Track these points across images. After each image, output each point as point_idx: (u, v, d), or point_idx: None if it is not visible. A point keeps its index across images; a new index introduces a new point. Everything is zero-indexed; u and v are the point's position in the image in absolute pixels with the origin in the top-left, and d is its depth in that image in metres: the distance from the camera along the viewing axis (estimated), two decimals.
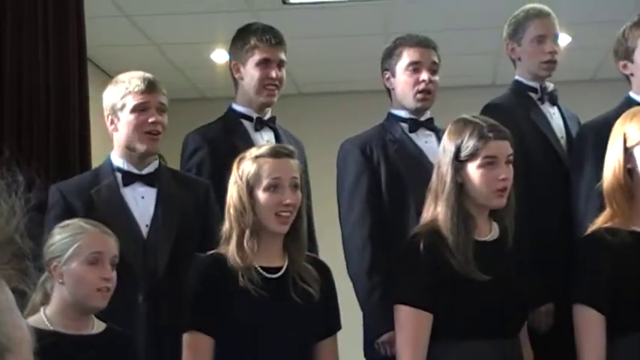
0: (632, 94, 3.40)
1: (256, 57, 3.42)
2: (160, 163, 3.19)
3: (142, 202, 3.08)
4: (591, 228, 2.75)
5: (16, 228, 1.08)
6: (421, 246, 2.67)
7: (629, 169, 2.72)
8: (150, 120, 3.06)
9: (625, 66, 3.40)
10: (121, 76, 3.14)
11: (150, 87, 3.08)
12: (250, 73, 3.44)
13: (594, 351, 2.66)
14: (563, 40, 5.75)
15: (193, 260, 2.77)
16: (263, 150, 2.76)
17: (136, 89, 3.06)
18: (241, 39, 3.49)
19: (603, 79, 6.94)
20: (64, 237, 2.69)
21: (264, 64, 3.42)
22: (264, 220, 2.70)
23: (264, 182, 2.70)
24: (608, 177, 2.74)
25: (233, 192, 2.74)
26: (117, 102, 3.08)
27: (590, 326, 2.67)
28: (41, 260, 2.60)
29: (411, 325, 2.67)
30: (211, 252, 2.76)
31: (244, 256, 2.68)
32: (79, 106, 3.71)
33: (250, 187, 2.71)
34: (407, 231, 2.89)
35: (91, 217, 2.88)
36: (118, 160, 3.13)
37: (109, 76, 6.76)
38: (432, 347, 2.68)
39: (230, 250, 2.71)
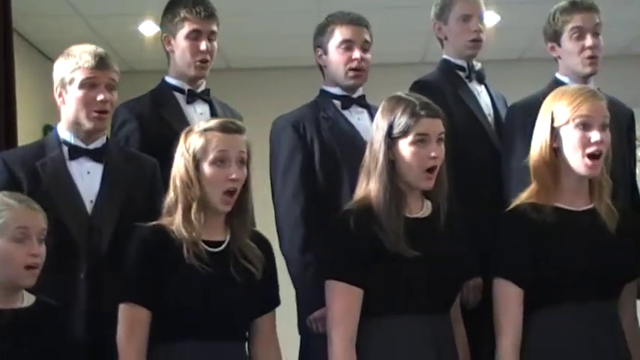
0: (558, 75, 3.49)
1: (186, 29, 3.40)
2: (107, 138, 3.14)
3: (87, 178, 3.04)
4: (515, 202, 2.79)
5: None
6: (351, 222, 2.69)
7: (555, 148, 2.76)
8: (98, 98, 3.01)
9: (553, 48, 3.49)
10: (73, 49, 3.08)
11: (100, 63, 3.02)
12: (180, 45, 3.42)
13: (511, 324, 2.71)
14: (493, 19, 5.82)
15: (133, 231, 2.74)
16: (212, 124, 2.75)
17: (86, 65, 3.00)
18: (171, 11, 3.46)
19: (530, 59, 7.03)
20: None
21: (193, 36, 3.39)
22: (210, 195, 2.70)
23: (211, 156, 2.70)
24: (535, 154, 2.78)
25: (180, 164, 2.73)
26: (66, 75, 3.03)
27: (509, 300, 2.72)
28: None
29: (341, 301, 2.69)
30: (152, 223, 2.73)
31: (191, 228, 2.68)
32: (5, 78, 3.63)
33: (197, 161, 2.71)
34: (341, 208, 2.89)
35: (35, 189, 2.88)
36: (64, 133, 3.07)
37: (34, 48, 6.64)
38: (363, 323, 2.70)
39: (175, 223, 2.70)
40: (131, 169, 3.11)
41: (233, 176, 2.69)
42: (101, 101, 3.01)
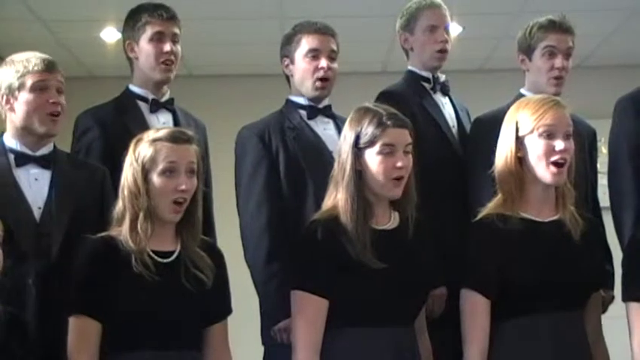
0: (523, 91, 3.54)
1: (149, 32, 3.40)
2: (54, 145, 3.12)
3: (35, 185, 3.01)
4: (482, 213, 2.82)
5: None
6: (319, 233, 2.69)
7: (520, 157, 2.79)
8: (50, 100, 3.00)
9: (523, 61, 3.55)
10: (17, 56, 3.07)
11: (50, 66, 3.03)
12: (144, 49, 3.41)
13: (478, 334, 2.73)
14: (455, 29, 5.84)
15: (82, 242, 2.73)
16: (161, 133, 2.73)
17: (36, 68, 3.00)
18: (133, 18, 3.46)
19: (491, 70, 7.09)
20: None
21: (157, 38, 3.40)
22: (158, 206, 2.69)
23: (160, 166, 2.68)
24: (500, 164, 2.81)
25: (128, 174, 2.71)
26: (14, 81, 3.01)
27: (476, 310, 2.74)
28: None
29: (307, 311, 2.69)
30: (102, 234, 2.72)
31: (138, 239, 2.66)
32: None
33: (146, 171, 2.69)
34: (305, 218, 2.91)
35: None
36: (10, 142, 3.05)
37: None
38: (328, 334, 2.70)
39: (123, 233, 2.68)
40: (80, 175, 3.09)
41: (182, 187, 2.68)
42: (53, 103, 3.00)
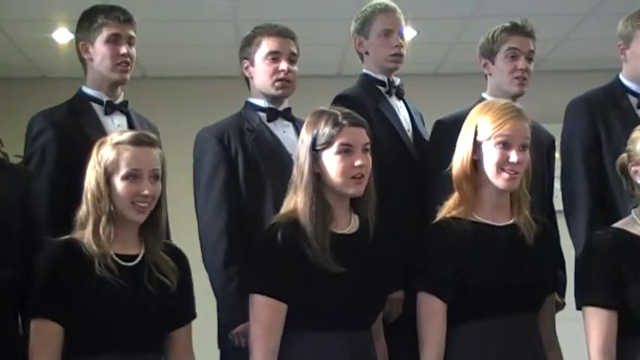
0: (485, 95, 3.57)
1: (105, 34, 3.36)
2: None
3: None
4: (439, 215, 2.83)
5: None
6: (279, 236, 2.68)
7: (475, 160, 2.81)
8: None
9: (485, 65, 3.60)
10: None
11: None
12: (100, 51, 3.37)
13: (435, 337, 2.74)
14: (409, 33, 5.88)
15: (45, 245, 2.71)
16: (124, 137, 2.73)
17: None
18: (88, 19, 3.42)
19: (445, 74, 7.13)
20: None
21: (113, 40, 3.36)
22: (121, 209, 2.68)
23: (123, 171, 2.68)
24: (457, 165, 2.83)
25: (91, 177, 2.70)
26: None
27: (432, 313, 2.75)
28: None
29: (265, 315, 2.69)
30: (65, 237, 2.70)
31: (100, 242, 2.66)
32: None
33: (108, 174, 2.69)
34: (264, 221, 2.90)
35: None
36: None
37: None
38: (286, 337, 2.70)
39: (86, 236, 2.67)
40: (2, 178, 3.00)
41: (145, 192, 2.68)
42: None
